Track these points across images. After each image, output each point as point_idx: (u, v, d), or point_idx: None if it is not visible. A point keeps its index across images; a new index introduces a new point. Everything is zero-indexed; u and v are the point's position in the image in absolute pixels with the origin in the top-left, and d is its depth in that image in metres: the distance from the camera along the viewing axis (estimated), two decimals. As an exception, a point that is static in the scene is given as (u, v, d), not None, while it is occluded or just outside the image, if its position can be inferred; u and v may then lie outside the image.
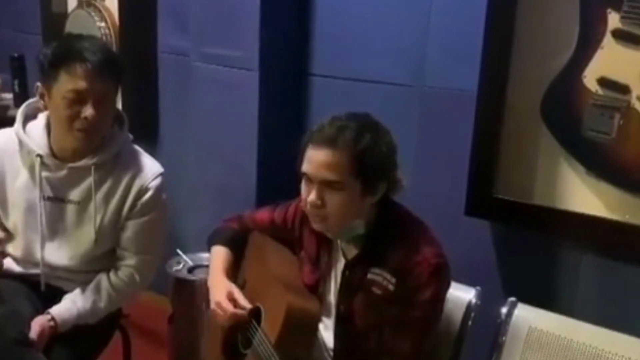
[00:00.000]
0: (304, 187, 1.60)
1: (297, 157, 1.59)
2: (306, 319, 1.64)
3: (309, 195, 1.57)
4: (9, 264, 1.93)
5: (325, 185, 1.54)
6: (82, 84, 1.73)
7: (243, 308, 1.70)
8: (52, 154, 1.84)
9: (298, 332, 1.62)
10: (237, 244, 1.88)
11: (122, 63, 1.86)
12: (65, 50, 1.75)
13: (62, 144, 1.84)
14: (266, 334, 1.64)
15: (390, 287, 1.57)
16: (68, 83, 1.73)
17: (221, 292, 1.74)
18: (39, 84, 1.80)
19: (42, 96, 1.80)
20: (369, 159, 1.53)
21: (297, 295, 1.65)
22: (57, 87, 1.74)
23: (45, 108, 1.82)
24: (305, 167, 1.57)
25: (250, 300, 1.77)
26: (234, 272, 1.85)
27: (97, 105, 1.75)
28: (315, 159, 1.55)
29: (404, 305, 1.55)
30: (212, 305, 1.74)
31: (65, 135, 1.80)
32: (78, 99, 1.73)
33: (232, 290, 1.74)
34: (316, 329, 1.69)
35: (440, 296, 1.59)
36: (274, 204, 1.88)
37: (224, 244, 1.87)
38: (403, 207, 1.67)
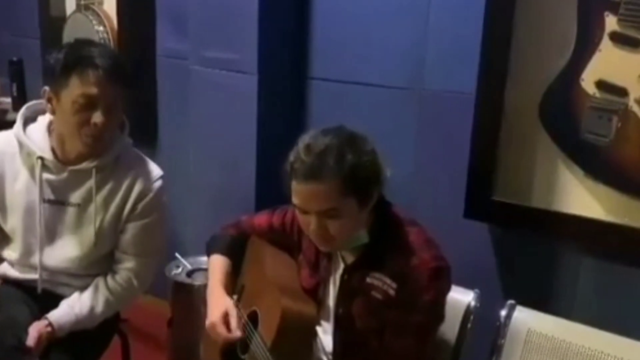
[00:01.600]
0: (301, 217, 1.59)
1: (284, 179, 1.56)
2: (302, 322, 1.64)
3: (309, 225, 1.56)
4: (5, 269, 1.93)
5: (322, 214, 1.53)
6: (93, 90, 1.72)
7: (233, 332, 1.69)
8: (54, 156, 1.84)
9: (294, 335, 1.61)
10: (236, 252, 1.88)
11: (131, 70, 1.86)
12: (77, 56, 1.75)
13: (67, 148, 1.84)
14: (263, 338, 1.64)
15: (391, 291, 1.57)
16: (79, 88, 1.72)
17: (217, 312, 1.72)
18: (46, 87, 1.79)
19: (49, 100, 1.79)
20: (357, 176, 1.50)
21: (293, 299, 1.65)
22: (67, 92, 1.74)
23: (52, 112, 1.81)
24: (297, 201, 1.54)
25: (248, 304, 1.77)
26: (233, 281, 1.85)
27: (106, 111, 1.75)
28: (304, 194, 1.51)
29: (404, 309, 1.54)
30: (207, 324, 1.73)
31: (72, 140, 1.80)
32: (88, 104, 1.73)
33: (228, 310, 1.72)
34: (312, 332, 1.69)
35: (440, 299, 1.58)
36: (272, 208, 1.88)
37: (223, 252, 1.87)
38: (398, 209, 1.67)
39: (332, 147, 1.49)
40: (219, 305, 1.75)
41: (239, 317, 1.74)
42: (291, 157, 1.53)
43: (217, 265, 1.85)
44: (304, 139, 1.54)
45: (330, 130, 1.55)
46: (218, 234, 1.93)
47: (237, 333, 1.69)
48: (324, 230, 1.55)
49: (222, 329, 1.69)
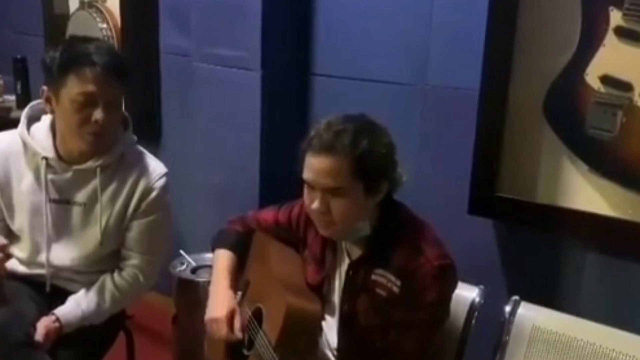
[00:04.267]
0: (306, 194, 1.60)
1: (299, 157, 1.58)
2: (306, 319, 1.64)
3: (312, 202, 1.57)
4: (13, 265, 1.94)
5: (327, 191, 1.54)
6: (91, 88, 1.72)
7: (236, 333, 1.70)
8: (58, 156, 1.84)
9: (298, 332, 1.61)
10: (241, 247, 1.88)
11: (129, 65, 1.86)
12: (73, 54, 1.74)
13: (69, 147, 1.83)
14: (267, 335, 1.64)
15: (395, 289, 1.56)
16: (77, 87, 1.72)
17: (222, 309, 1.72)
18: (45, 87, 1.79)
19: (48, 100, 1.78)
20: (369, 161, 1.52)
21: (297, 296, 1.65)
22: (65, 90, 1.73)
23: (52, 112, 1.81)
24: (306, 175, 1.56)
25: (253, 301, 1.77)
26: (237, 277, 1.85)
27: (106, 108, 1.74)
28: (315, 166, 1.54)
29: (408, 308, 1.54)
30: (208, 318, 1.73)
31: (74, 139, 1.79)
32: (88, 102, 1.73)
33: (234, 310, 1.73)
34: (317, 329, 1.69)
35: (444, 298, 1.58)
36: (278, 204, 1.88)
37: (228, 247, 1.87)
38: (406, 207, 1.67)
39: (350, 129, 1.53)
40: (224, 302, 1.74)
41: (244, 318, 1.74)
42: (311, 132, 1.57)
43: (222, 260, 1.85)
44: (327, 118, 1.59)
45: (352, 116, 1.59)
46: (224, 229, 1.93)
47: (238, 334, 1.70)
48: (326, 210, 1.55)
49: (224, 327, 1.69)
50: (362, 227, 1.60)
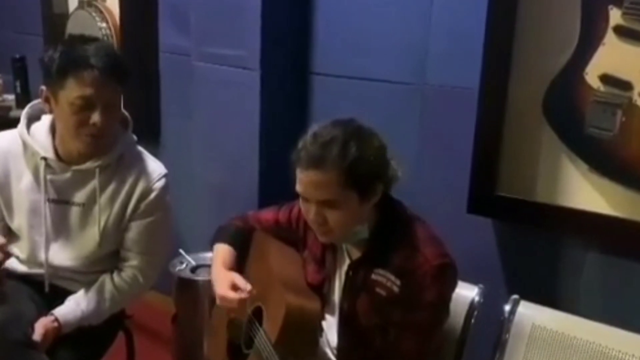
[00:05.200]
0: (302, 205, 1.60)
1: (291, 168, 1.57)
2: (306, 318, 1.64)
3: (309, 214, 1.57)
4: (13, 264, 1.94)
5: (322, 204, 1.54)
6: (89, 91, 1.71)
7: (244, 290, 1.66)
8: (57, 156, 1.84)
9: (298, 331, 1.61)
10: (241, 242, 1.87)
11: (128, 66, 1.85)
12: (71, 56, 1.73)
13: (68, 147, 1.83)
14: (267, 333, 1.64)
15: (395, 288, 1.57)
16: (75, 90, 1.71)
17: (223, 284, 1.70)
18: (43, 87, 1.78)
19: (47, 100, 1.78)
20: (359, 169, 1.51)
21: (297, 295, 1.65)
22: (64, 93, 1.73)
23: (50, 112, 1.81)
24: (299, 189, 1.56)
25: (253, 300, 1.77)
26: (236, 268, 1.84)
27: (104, 110, 1.74)
28: (305, 181, 1.53)
29: (408, 307, 1.55)
30: (218, 301, 1.71)
31: (72, 140, 1.79)
32: (86, 105, 1.72)
33: (233, 278, 1.71)
34: (317, 328, 1.69)
35: (444, 297, 1.58)
36: (278, 204, 1.88)
37: (227, 241, 1.86)
38: (403, 206, 1.67)
39: (337, 139, 1.51)
40: (223, 279, 1.72)
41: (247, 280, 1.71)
42: (299, 145, 1.55)
43: (220, 253, 1.85)
44: (313, 128, 1.56)
45: (340, 122, 1.57)
46: (224, 224, 1.92)
47: (247, 287, 1.65)
48: (322, 220, 1.55)
49: (233, 295, 1.66)
50: (360, 231, 1.60)
